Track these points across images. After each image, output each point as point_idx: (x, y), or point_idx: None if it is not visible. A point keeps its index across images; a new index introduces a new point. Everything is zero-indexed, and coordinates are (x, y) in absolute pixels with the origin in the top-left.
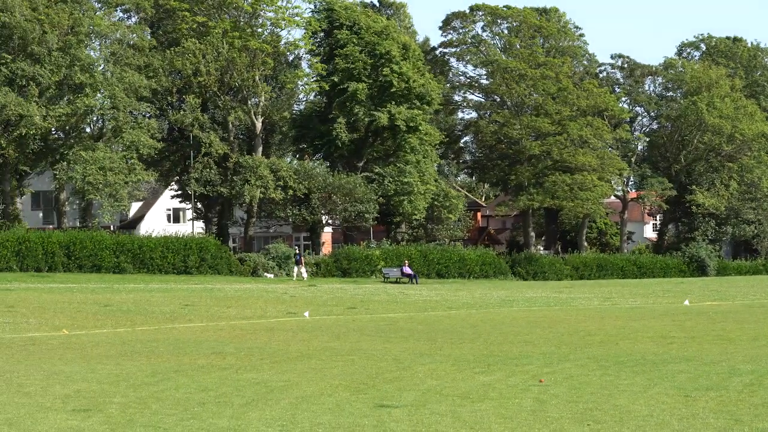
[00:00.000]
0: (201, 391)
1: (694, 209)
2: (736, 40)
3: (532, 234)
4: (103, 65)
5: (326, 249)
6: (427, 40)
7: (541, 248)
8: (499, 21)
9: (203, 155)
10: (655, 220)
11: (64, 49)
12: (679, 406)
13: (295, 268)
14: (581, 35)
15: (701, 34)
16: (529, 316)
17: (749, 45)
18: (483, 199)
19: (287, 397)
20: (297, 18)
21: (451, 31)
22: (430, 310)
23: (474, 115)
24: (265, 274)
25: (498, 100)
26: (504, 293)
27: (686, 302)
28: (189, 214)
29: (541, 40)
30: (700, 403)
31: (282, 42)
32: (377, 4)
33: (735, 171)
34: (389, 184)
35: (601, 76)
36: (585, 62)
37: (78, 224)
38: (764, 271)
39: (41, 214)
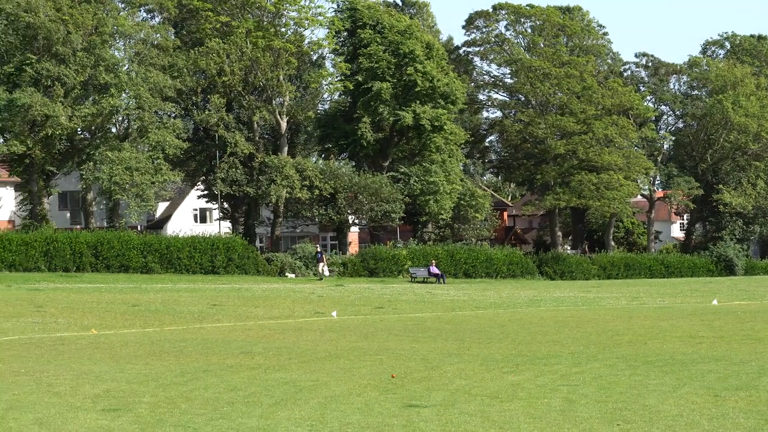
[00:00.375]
0: (230, 390)
1: (721, 208)
2: (760, 38)
3: (559, 233)
4: (127, 65)
5: (353, 249)
6: (450, 39)
7: (568, 248)
8: (522, 20)
9: (229, 155)
10: (682, 219)
11: (89, 49)
12: (708, 406)
13: (319, 266)
14: (605, 34)
15: (725, 33)
16: (557, 315)
17: None
18: (509, 199)
19: (316, 397)
20: (320, 17)
21: (475, 30)
22: (457, 309)
23: (499, 114)
24: (288, 273)
25: (522, 99)
26: (532, 293)
27: (714, 302)
28: (216, 214)
29: (565, 39)
30: (730, 402)
31: (305, 41)
32: (400, 4)
33: (762, 170)
34: (415, 183)
35: (625, 74)
36: (609, 61)
37: (105, 224)
38: None
39: (68, 215)
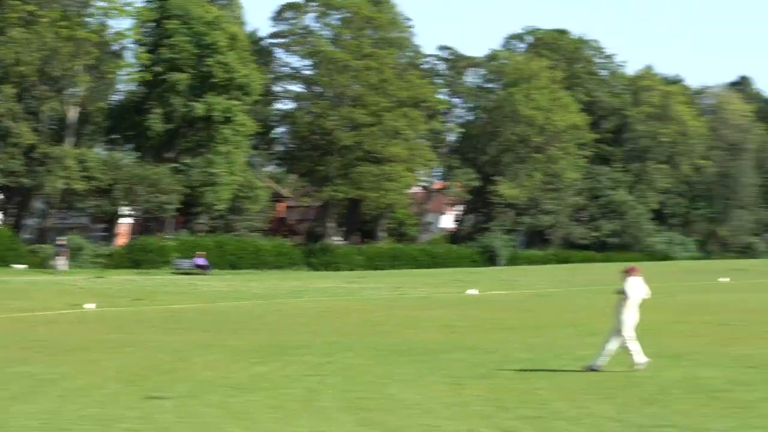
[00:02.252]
0: None
1: (493, 199)
2: (562, 32)
3: (333, 225)
4: None
5: (122, 240)
6: (255, 30)
7: (341, 239)
8: (331, 12)
9: (12, 146)
10: (457, 210)
11: None
12: (449, 394)
13: (57, 259)
14: (410, 27)
15: (529, 27)
16: (318, 306)
17: (573, 37)
18: (292, 191)
19: (56, 390)
20: (128, 8)
21: (283, 22)
22: (219, 301)
23: (293, 105)
24: (13, 265)
25: (320, 91)
26: (295, 284)
27: (473, 291)
28: None
29: (372, 31)
30: (470, 390)
31: (110, 32)
32: None
33: (541, 162)
34: (196, 174)
35: (425, 67)
36: (411, 53)
37: None
38: (554, 261)
39: None
